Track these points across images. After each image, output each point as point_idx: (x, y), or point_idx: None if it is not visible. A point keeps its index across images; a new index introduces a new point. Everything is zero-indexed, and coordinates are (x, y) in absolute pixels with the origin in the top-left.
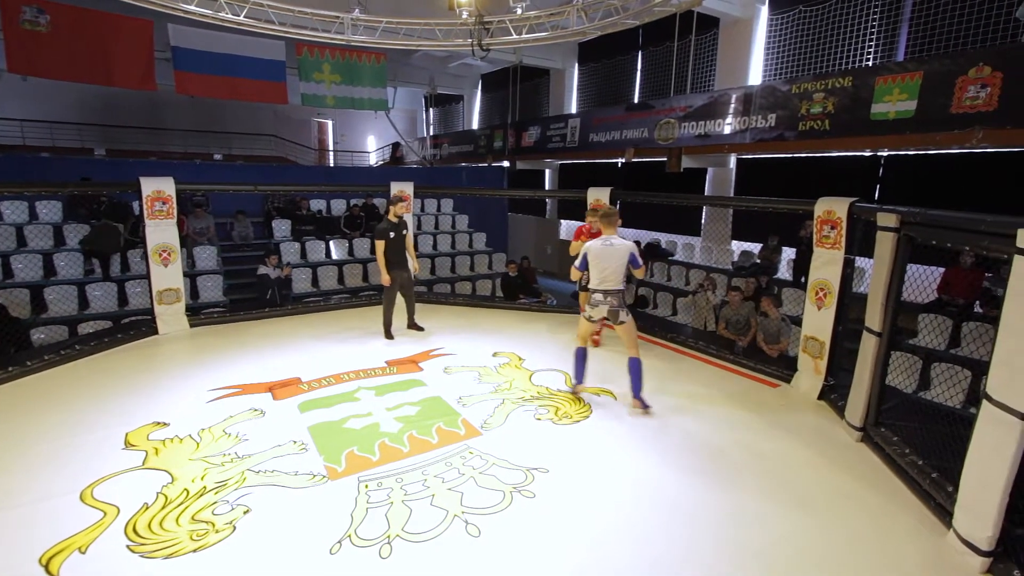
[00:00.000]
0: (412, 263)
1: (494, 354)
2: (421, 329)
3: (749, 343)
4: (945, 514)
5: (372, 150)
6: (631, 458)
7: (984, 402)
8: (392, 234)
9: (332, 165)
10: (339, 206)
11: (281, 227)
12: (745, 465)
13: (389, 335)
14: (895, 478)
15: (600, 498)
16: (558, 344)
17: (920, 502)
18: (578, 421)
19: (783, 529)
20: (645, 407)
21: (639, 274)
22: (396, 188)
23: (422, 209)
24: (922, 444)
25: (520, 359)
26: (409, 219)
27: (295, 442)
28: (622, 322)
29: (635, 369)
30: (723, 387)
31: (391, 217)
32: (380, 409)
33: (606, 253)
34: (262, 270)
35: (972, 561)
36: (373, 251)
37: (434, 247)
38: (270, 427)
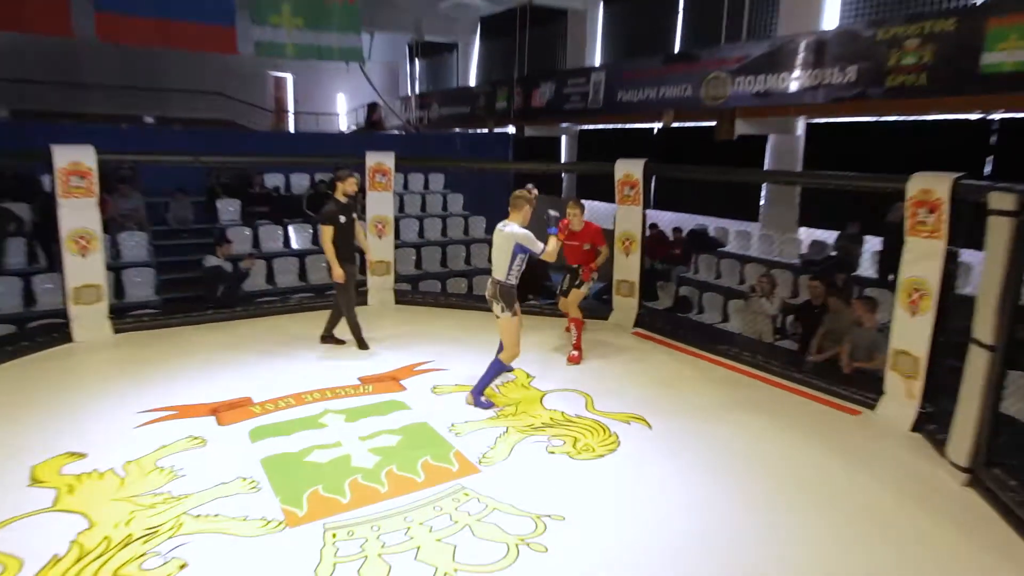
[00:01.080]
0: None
1: None
2: (341, 342)
3: (829, 358)
4: None
5: (343, 112)
6: (670, 504)
7: None
8: (342, 218)
9: (293, 131)
10: (301, 182)
11: (228, 208)
12: (818, 518)
13: (362, 344)
14: (1012, 532)
15: (628, 554)
16: None
17: None
18: (602, 455)
19: None
20: (478, 405)
21: (548, 257)
22: (373, 160)
23: (405, 186)
24: None
25: (529, 376)
26: (388, 198)
27: (244, 479)
28: (497, 316)
29: (491, 369)
30: (788, 415)
31: (339, 196)
32: (352, 438)
33: (495, 238)
34: (212, 261)
35: None
36: (319, 239)
37: (420, 234)
38: (213, 460)
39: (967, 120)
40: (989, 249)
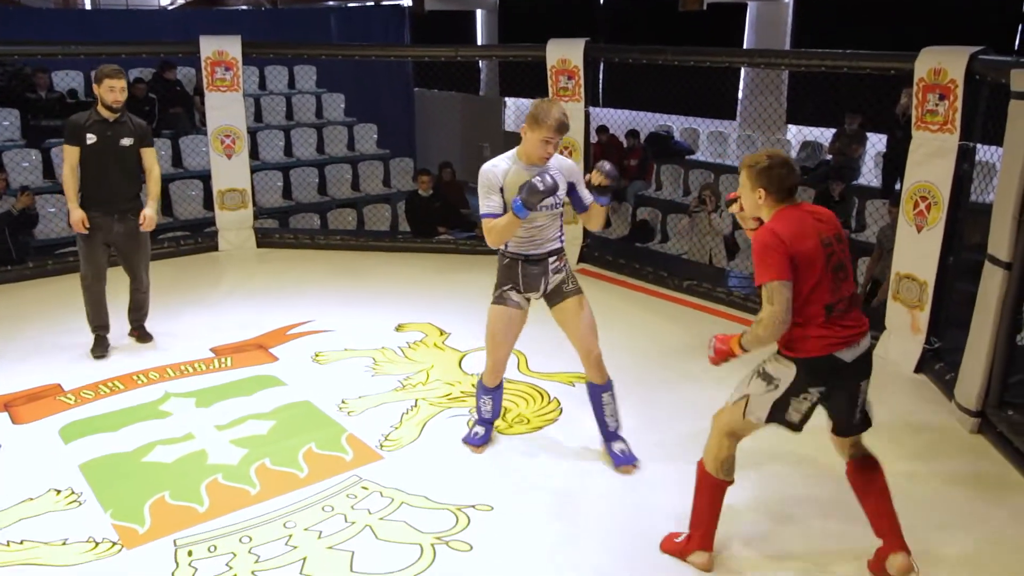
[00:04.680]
0: (149, 208)
1: (398, 327)
2: (146, 337)
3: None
4: None
5: None
6: (619, 482)
7: None
8: (92, 138)
9: (89, 7)
10: None
11: (2, 123)
12: (800, 481)
13: (100, 344)
14: None
15: (571, 548)
16: None
17: None
18: (539, 427)
19: (850, 561)
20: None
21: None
22: (211, 47)
23: (261, 85)
24: None
25: (442, 333)
26: (236, 102)
27: (59, 491)
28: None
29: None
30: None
31: (102, 109)
32: (206, 428)
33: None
34: None
35: None
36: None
37: (287, 151)
38: (12, 470)
39: None
40: (1008, 142)
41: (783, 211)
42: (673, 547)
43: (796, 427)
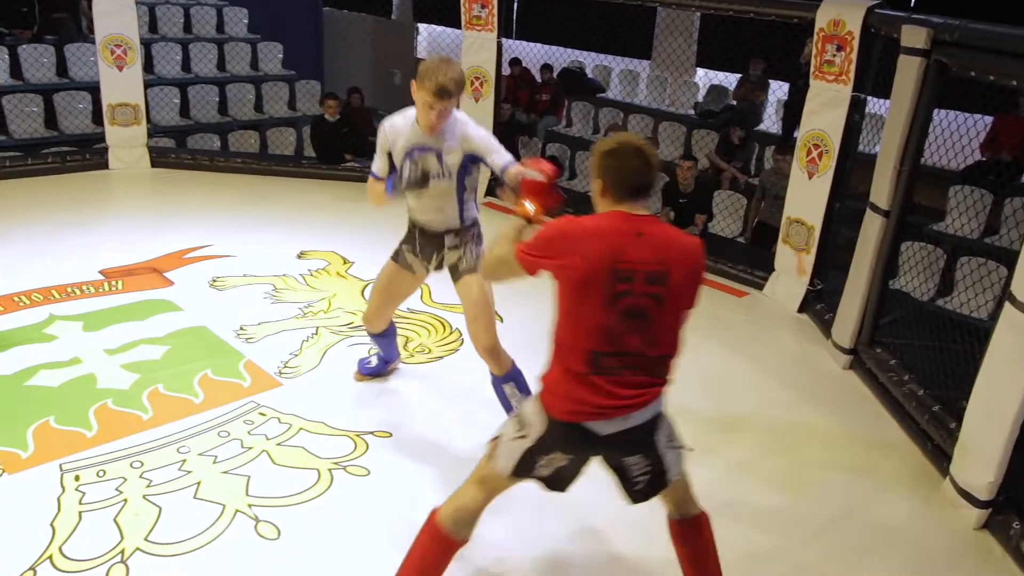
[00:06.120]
0: None
1: (300, 254)
2: None
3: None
4: (943, 458)
5: None
6: None
7: (1007, 306)
8: None
9: None
10: None
11: None
12: (686, 411)
13: None
14: (887, 415)
15: (466, 473)
16: None
17: (915, 445)
18: (440, 357)
19: (724, 493)
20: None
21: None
22: None
23: None
24: (929, 368)
25: (345, 261)
26: (128, 9)
27: None
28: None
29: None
30: None
31: None
32: (95, 353)
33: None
34: None
35: (967, 515)
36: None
37: (185, 67)
38: None
39: None
40: (895, 96)
41: (610, 215)
42: None
43: (555, 486)
